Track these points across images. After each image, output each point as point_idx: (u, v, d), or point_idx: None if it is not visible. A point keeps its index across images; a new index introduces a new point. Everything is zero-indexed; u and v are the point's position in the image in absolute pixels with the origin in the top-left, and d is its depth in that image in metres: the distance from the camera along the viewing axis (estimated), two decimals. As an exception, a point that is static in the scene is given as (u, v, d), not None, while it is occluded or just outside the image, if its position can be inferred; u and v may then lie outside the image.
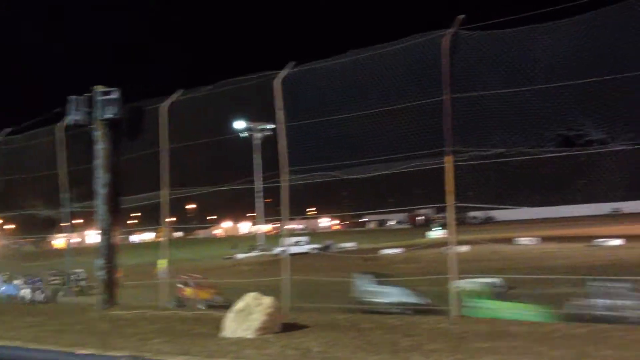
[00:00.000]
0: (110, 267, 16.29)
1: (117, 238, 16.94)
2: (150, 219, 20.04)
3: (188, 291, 17.08)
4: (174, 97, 15.94)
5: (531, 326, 10.24)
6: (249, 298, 11.41)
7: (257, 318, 11.00)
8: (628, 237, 31.77)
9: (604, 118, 10.49)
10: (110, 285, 16.25)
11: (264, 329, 10.93)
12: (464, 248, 28.26)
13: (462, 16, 11.33)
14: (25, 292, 19.36)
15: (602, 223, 39.64)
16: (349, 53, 12.93)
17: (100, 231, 16.34)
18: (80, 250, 23.57)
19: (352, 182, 14.49)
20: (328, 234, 67.07)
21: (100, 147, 16.29)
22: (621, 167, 10.96)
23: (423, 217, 74.41)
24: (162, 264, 17.12)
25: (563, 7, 10.54)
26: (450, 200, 11.51)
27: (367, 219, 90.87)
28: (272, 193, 15.56)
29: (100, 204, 16.28)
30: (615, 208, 45.77)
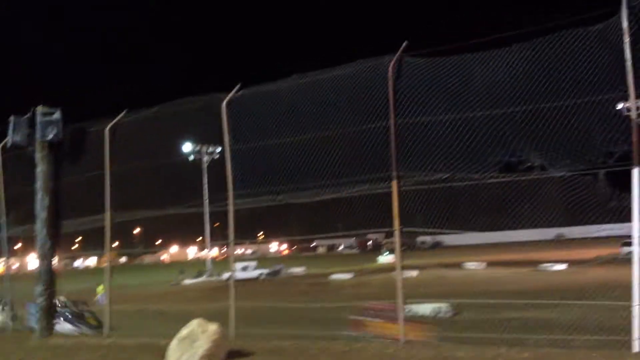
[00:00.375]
0: (50, 293, 15.76)
1: (59, 263, 16.39)
2: (94, 244, 19.50)
3: (374, 325, 11.82)
4: (117, 118, 15.65)
5: (476, 351, 10.27)
6: (194, 324, 11.14)
7: (202, 345, 10.73)
8: (570, 262, 32.60)
9: (543, 145, 10.75)
10: (50, 313, 15.70)
11: (209, 356, 10.67)
12: (413, 273, 28.51)
13: (406, 42, 11.52)
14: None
15: (547, 248, 40.53)
16: (293, 77, 12.94)
17: (40, 256, 15.81)
18: (20, 276, 22.72)
19: (300, 207, 14.42)
20: (278, 259, 66.68)
21: (41, 169, 15.81)
22: (561, 193, 11.20)
23: (371, 242, 74.89)
24: (102, 290, 16.66)
25: (500, 36, 10.84)
26: (396, 225, 11.55)
27: (316, 244, 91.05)
28: (220, 217, 15.33)
29: (40, 228, 15.77)
30: (559, 233, 46.75)
